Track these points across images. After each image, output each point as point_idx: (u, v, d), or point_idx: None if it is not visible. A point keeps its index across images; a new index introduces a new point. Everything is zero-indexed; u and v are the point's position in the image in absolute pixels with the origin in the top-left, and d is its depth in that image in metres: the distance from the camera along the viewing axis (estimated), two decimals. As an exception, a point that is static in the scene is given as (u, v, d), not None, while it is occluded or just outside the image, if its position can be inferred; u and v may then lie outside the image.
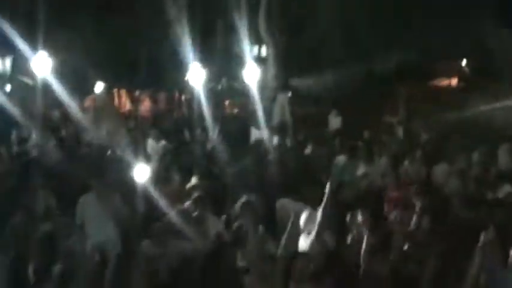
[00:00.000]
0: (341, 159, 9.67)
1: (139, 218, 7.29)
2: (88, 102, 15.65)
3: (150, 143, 11.58)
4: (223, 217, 7.07)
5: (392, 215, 7.01)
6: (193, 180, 8.25)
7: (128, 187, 7.47)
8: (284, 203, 7.20)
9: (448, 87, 19.75)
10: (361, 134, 12.42)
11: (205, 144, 11.20)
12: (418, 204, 6.84)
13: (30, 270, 5.43)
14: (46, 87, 12.48)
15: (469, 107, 15.72)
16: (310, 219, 5.97)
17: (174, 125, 14.39)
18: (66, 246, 5.66)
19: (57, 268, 5.12)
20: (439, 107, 16.25)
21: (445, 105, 16.32)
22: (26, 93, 14.04)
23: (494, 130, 13.58)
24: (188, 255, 5.82)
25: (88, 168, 8.45)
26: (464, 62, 19.85)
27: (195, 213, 6.67)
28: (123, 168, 8.16)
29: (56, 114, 13.53)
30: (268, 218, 6.82)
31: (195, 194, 6.99)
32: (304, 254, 5.39)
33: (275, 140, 11.73)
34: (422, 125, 14.19)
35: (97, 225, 6.75)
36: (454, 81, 19.80)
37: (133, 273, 5.95)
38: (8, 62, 15.34)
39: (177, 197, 7.44)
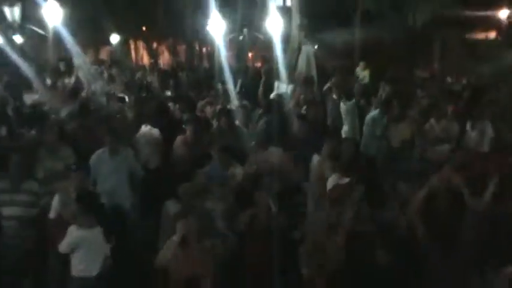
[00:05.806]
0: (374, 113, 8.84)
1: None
2: (104, 54, 14.98)
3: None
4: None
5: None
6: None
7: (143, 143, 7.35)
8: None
9: (486, 40, 18.49)
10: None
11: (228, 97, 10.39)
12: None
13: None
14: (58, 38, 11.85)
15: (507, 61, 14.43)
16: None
17: (197, 78, 13.68)
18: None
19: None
20: (475, 61, 15.14)
21: (482, 59, 15.19)
22: (38, 44, 13.40)
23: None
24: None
25: (100, 122, 7.78)
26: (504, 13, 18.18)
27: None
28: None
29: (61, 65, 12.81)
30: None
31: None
32: None
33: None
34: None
35: (110, 183, 6.29)
36: (493, 34, 18.52)
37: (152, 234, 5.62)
38: (16, 11, 14.50)
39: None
